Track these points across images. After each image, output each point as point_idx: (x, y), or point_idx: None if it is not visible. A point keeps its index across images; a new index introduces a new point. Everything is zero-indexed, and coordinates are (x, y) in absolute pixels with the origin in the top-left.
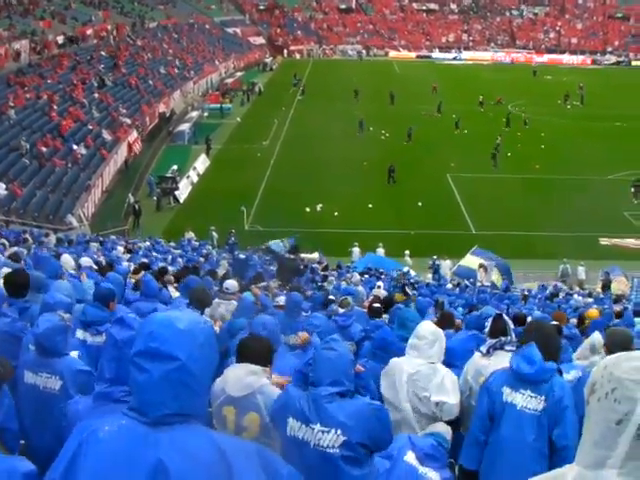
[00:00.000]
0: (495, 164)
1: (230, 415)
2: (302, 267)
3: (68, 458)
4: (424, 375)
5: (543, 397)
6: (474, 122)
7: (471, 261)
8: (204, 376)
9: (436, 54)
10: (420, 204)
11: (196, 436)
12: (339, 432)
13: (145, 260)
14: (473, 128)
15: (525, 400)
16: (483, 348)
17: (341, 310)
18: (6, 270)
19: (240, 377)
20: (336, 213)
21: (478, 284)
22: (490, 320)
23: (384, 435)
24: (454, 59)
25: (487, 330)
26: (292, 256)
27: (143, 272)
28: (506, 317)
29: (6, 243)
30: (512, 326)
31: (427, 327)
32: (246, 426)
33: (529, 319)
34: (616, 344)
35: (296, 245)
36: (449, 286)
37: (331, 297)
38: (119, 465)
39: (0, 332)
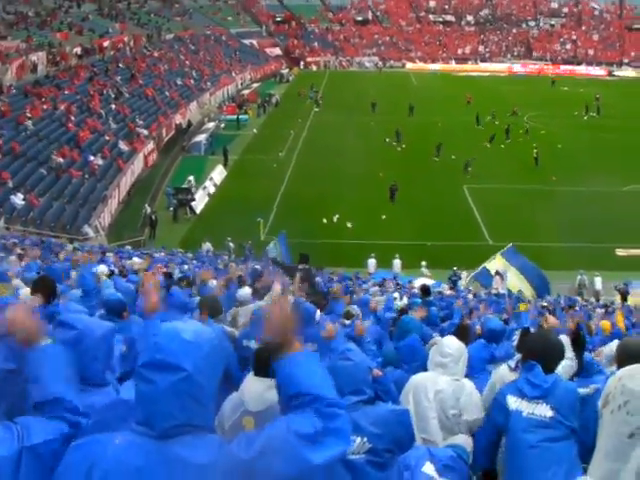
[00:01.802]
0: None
1: (249, 425)
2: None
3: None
4: (452, 392)
5: (550, 405)
6: (489, 133)
7: (498, 264)
8: (210, 386)
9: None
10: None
11: (206, 446)
12: (365, 440)
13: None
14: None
15: (531, 407)
16: (511, 362)
17: (347, 322)
18: (17, 282)
19: (259, 393)
20: (349, 225)
21: (493, 291)
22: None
23: (407, 438)
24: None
25: (515, 344)
26: (306, 266)
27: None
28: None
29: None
30: None
31: (452, 343)
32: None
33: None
34: (630, 355)
35: (306, 255)
36: (470, 296)
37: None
38: None
39: None
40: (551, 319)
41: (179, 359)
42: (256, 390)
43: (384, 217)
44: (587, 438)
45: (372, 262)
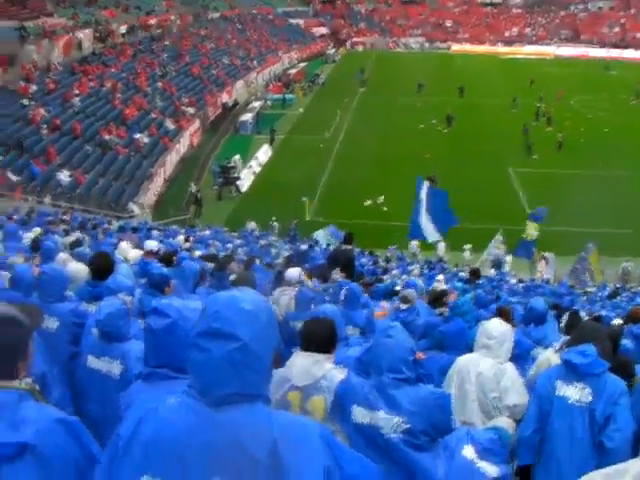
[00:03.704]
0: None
1: (295, 400)
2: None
3: (129, 432)
4: (493, 375)
5: (592, 390)
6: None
7: (529, 231)
8: (266, 356)
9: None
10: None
11: (256, 416)
12: (402, 419)
13: (213, 250)
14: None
15: (577, 393)
16: (557, 344)
17: (403, 306)
18: (64, 256)
19: (305, 368)
20: (385, 208)
21: (538, 275)
22: (566, 316)
23: (446, 422)
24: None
25: (563, 325)
26: (349, 247)
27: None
28: (583, 313)
29: (68, 229)
30: None
31: (497, 326)
32: (311, 410)
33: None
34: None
35: (350, 234)
36: (512, 281)
37: (397, 288)
38: (177, 441)
39: (62, 317)
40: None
41: (235, 328)
42: (302, 364)
43: None
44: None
45: (442, 246)
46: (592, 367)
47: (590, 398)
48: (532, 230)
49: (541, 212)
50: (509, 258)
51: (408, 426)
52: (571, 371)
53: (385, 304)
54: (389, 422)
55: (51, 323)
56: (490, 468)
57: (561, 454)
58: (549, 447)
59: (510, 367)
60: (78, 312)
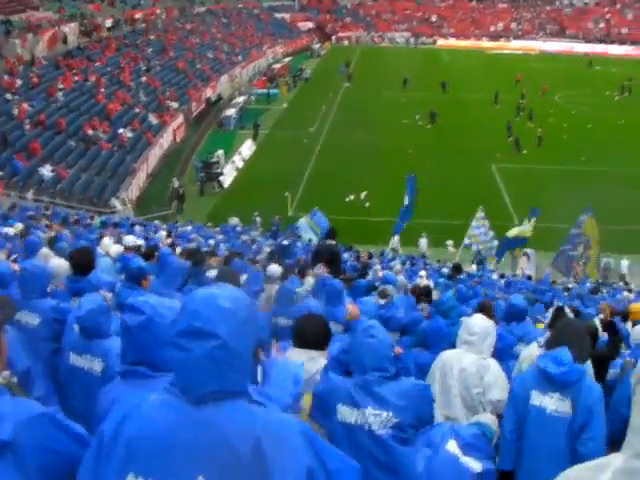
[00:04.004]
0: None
1: None
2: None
3: (112, 430)
4: (476, 371)
5: (570, 400)
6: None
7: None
8: (246, 352)
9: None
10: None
11: (238, 413)
12: (391, 414)
13: (193, 245)
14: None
15: (554, 403)
16: (541, 339)
17: (381, 301)
18: (46, 251)
19: None
20: (367, 204)
21: (518, 272)
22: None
23: (429, 413)
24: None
25: (547, 322)
26: (332, 242)
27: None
28: (567, 310)
29: (50, 224)
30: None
31: (479, 322)
32: (302, 405)
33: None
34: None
35: (333, 229)
36: (494, 277)
37: (376, 284)
38: (160, 438)
39: (45, 313)
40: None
41: (215, 326)
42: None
43: None
44: (617, 421)
45: (424, 242)
46: (568, 376)
47: (568, 409)
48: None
49: (536, 212)
50: (495, 243)
51: (397, 420)
52: (546, 380)
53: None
54: (378, 418)
55: (32, 319)
56: (474, 463)
57: (543, 465)
58: (528, 458)
59: (493, 363)
60: (59, 309)
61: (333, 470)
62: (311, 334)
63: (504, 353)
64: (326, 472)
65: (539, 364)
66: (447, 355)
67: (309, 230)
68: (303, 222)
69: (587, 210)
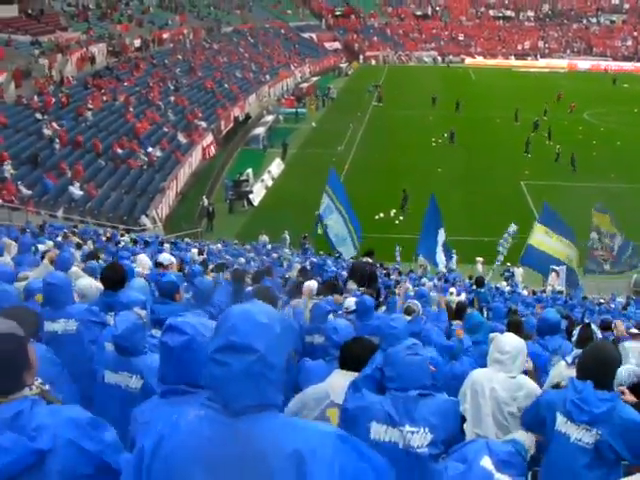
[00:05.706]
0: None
1: (334, 416)
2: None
3: (152, 446)
4: (507, 390)
5: (599, 431)
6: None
7: (538, 234)
8: (280, 365)
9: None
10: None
11: (275, 425)
12: (427, 430)
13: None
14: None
15: (580, 433)
16: (569, 358)
17: (407, 317)
18: (75, 269)
19: (344, 386)
20: (397, 222)
21: (549, 288)
22: (578, 329)
23: (458, 428)
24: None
25: (574, 339)
26: (369, 259)
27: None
28: (594, 326)
29: (81, 242)
30: (600, 335)
31: (510, 341)
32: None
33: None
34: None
35: (372, 249)
36: (524, 293)
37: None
38: (199, 453)
39: (81, 315)
40: (620, 326)
41: (252, 341)
42: (342, 383)
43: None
44: None
45: (479, 266)
46: (594, 417)
47: (595, 438)
48: (540, 233)
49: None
50: (519, 270)
51: (432, 436)
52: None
53: None
54: (416, 435)
55: (69, 325)
56: None
57: None
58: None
59: (524, 379)
60: (94, 311)
61: (380, 469)
62: (358, 358)
63: (539, 370)
64: (375, 471)
65: (566, 401)
66: (477, 374)
67: (333, 210)
68: (326, 201)
69: (597, 208)
